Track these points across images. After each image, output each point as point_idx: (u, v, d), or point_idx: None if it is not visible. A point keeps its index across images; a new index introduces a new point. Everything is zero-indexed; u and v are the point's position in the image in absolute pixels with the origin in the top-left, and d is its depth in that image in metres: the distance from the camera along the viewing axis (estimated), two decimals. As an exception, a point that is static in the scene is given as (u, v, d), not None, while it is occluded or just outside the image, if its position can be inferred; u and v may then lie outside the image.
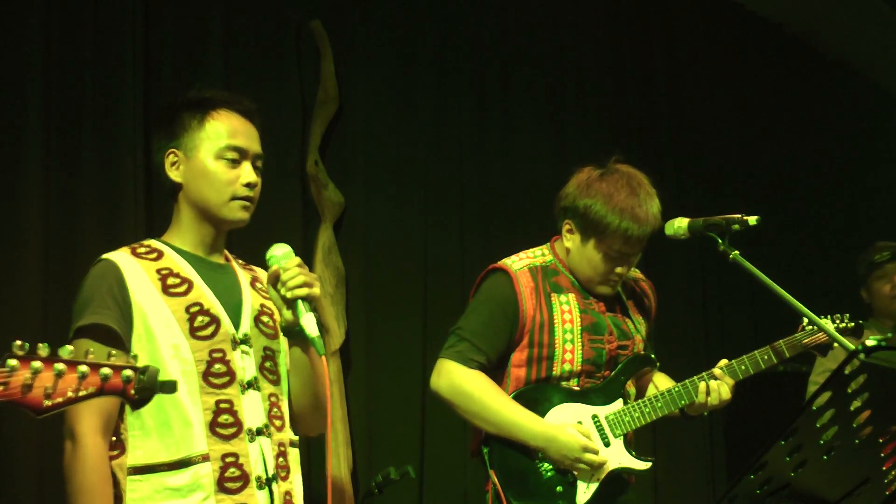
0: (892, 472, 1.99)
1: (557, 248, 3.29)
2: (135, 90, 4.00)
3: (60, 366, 1.97)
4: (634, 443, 3.23)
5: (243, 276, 2.61)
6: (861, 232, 5.90)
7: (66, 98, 3.89)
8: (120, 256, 2.48)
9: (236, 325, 2.50)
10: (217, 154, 2.50)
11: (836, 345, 3.13)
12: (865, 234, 5.47)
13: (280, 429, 2.52)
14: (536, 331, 3.14)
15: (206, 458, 2.39)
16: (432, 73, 5.01)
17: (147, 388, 2.01)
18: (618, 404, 3.18)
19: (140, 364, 2.03)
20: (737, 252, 3.05)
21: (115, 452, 2.42)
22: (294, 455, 2.57)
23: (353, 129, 4.76)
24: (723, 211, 3.20)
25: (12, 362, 1.99)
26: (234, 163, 2.50)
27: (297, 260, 2.46)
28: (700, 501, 5.49)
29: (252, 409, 2.46)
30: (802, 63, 6.37)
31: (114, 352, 1.98)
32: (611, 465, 3.13)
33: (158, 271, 2.46)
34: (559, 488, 3.10)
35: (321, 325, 2.52)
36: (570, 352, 3.15)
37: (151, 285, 2.44)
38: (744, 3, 6.11)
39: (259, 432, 2.46)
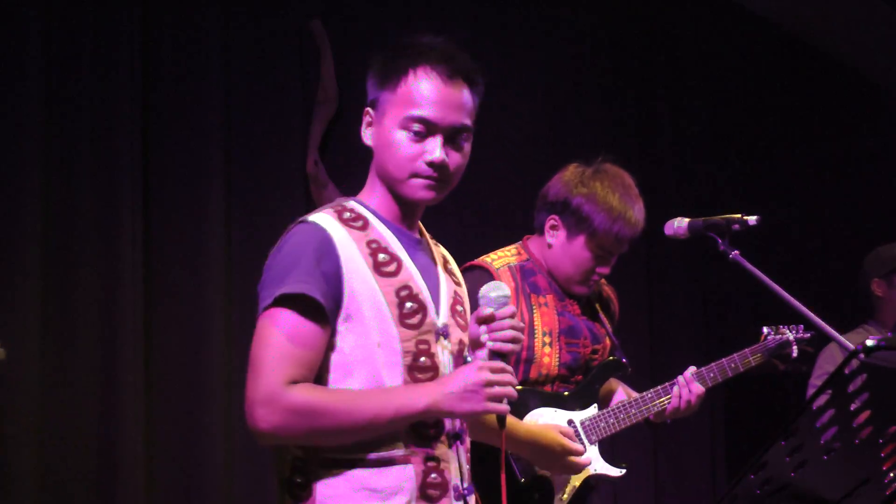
0: (892, 473, 1.99)
1: (532, 246, 3.24)
2: (133, 91, 4.00)
3: None
4: (609, 449, 3.20)
5: (438, 257, 2.32)
6: (861, 232, 5.90)
7: (64, 100, 3.89)
8: (328, 222, 2.14)
9: (437, 313, 2.21)
10: (400, 123, 2.17)
11: (832, 345, 3.15)
12: (865, 233, 5.46)
13: (469, 434, 2.27)
14: None
15: (408, 459, 2.11)
16: (432, 74, 5.00)
17: None
18: (592, 410, 3.16)
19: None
20: (737, 252, 3.04)
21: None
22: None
23: (353, 129, 4.73)
24: (723, 211, 3.20)
25: None
26: (419, 135, 2.16)
27: (513, 309, 2.17)
28: (700, 501, 5.49)
29: None
30: (802, 63, 6.37)
31: None
32: (588, 471, 3.10)
33: (368, 244, 2.15)
34: (536, 495, 3.06)
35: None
36: (548, 355, 3.11)
37: (363, 261, 2.12)
38: (744, 3, 6.10)
39: (456, 436, 2.19)
